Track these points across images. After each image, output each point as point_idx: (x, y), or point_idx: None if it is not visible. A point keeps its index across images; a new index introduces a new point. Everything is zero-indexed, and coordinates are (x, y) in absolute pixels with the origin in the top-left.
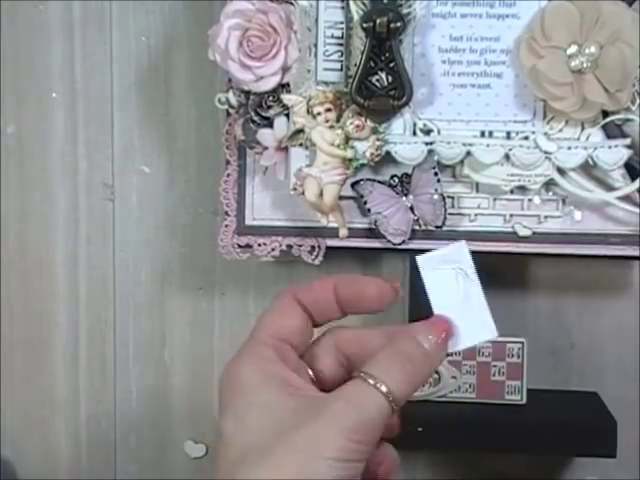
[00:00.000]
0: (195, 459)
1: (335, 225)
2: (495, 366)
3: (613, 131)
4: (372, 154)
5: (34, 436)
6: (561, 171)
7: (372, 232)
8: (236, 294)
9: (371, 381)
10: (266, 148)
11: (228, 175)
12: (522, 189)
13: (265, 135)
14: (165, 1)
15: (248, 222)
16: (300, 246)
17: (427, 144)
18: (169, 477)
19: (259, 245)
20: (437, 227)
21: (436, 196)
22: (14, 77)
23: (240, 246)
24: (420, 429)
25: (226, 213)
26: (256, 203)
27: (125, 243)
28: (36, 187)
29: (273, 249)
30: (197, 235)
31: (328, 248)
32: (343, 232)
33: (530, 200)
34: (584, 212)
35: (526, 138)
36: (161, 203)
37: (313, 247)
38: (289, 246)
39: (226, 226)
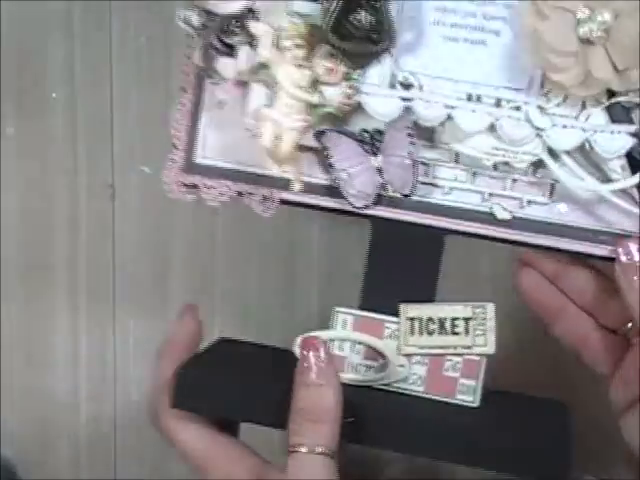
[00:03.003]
0: None
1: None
2: (450, 360)
3: (619, 115)
4: (341, 103)
5: (34, 436)
6: (553, 153)
7: (332, 191)
8: (236, 295)
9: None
10: (225, 79)
11: (182, 104)
12: (507, 167)
13: (225, 65)
14: (165, 1)
15: (197, 160)
16: (251, 195)
17: (404, 100)
18: (169, 477)
19: (207, 187)
20: (405, 195)
21: (408, 161)
22: (14, 77)
23: (186, 185)
24: (351, 419)
25: (174, 146)
26: (209, 140)
27: (125, 243)
28: (36, 187)
29: (221, 194)
30: (197, 235)
31: (283, 202)
32: (296, 186)
33: (515, 181)
34: (574, 204)
35: (517, 109)
36: (161, 203)
37: (265, 197)
38: (239, 193)
39: (172, 160)
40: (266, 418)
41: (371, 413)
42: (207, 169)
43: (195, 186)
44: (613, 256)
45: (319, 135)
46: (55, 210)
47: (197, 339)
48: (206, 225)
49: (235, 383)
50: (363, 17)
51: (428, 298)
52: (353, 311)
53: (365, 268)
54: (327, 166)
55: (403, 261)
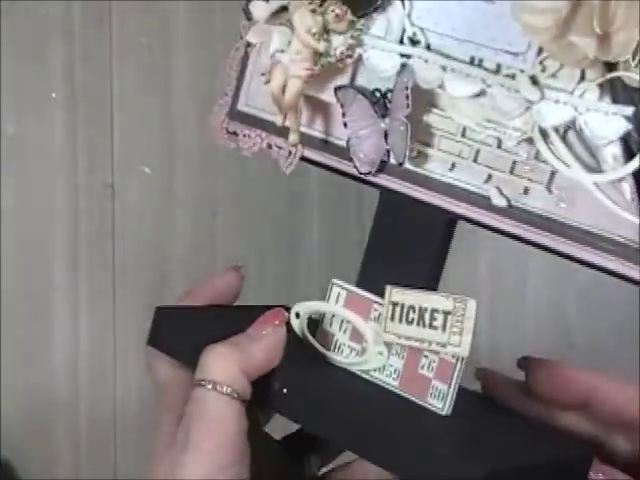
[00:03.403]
0: None
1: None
2: (426, 357)
3: (619, 95)
4: (342, 53)
5: (34, 436)
6: (544, 132)
7: (339, 150)
8: None
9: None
10: (256, 22)
11: (237, 49)
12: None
13: (258, 7)
14: (165, 1)
15: (240, 107)
16: (280, 148)
17: (403, 56)
18: None
19: (244, 136)
20: (399, 164)
21: (402, 126)
22: (14, 77)
23: (228, 132)
24: (284, 390)
25: (225, 92)
26: (252, 87)
27: (125, 243)
28: (36, 187)
29: (254, 144)
30: (197, 235)
31: (302, 159)
32: (293, 137)
33: (515, 163)
34: (577, 196)
35: (512, 77)
36: (161, 203)
37: (290, 152)
38: (269, 145)
39: (219, 105)
40: None
41: (311, 392)
42: (247, 117)
43: (235, 134)
44: (614, 269)
45: (338, 90)
46: (55, 210)
47: (229, 292)
48: (206, 225)
49: (197, 333)
50: None
51: (431, 283)
52: (347, 286)
53: (368, 241)
54: (342, 124)
55: (406, 240)
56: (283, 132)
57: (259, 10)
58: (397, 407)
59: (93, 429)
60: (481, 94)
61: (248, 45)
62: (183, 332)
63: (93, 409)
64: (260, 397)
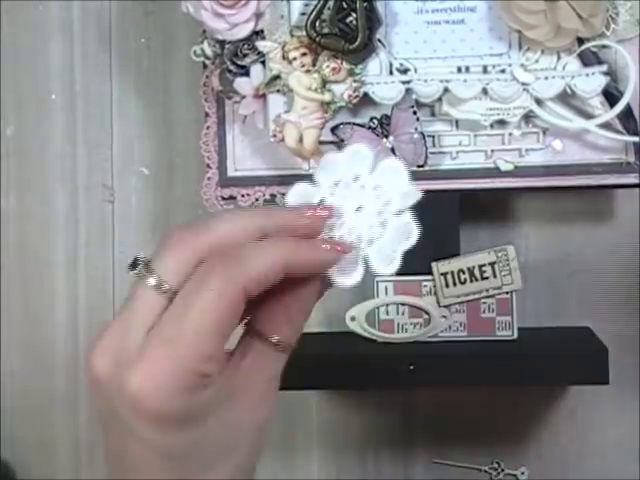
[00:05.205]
0: None
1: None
2: (485, 303)
3: (589, 59)
4: (350, 96)
5: (34, 436)
6: (539, 102)
7: None
8: None
9: None
10: (244, 97)
11: (208, 127)
12: (502, 123)
13: (242, 84)
14: (164, 1)
15: (230, 173)
16: (283, 195)
17: (404, 83)
18: None
19: (242, 196)
20: (419, 166)
21: (416, 135)
22: (14, 77)
23: (224, 198)
24: (411, 367)
25: (208, 166)
26: (237, 154)
27: (124, 244)
28: (36, 188)
29: (257, 199)
30: None
31: None
32: None
33: (510, 134)
34: (565, 142)
35: (503, 71)
36: (160, 204)
37: None
38: (272, 195)
39: (208, 179)
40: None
41: (427, 359)
42: (240, 180)
43: (232, 197)
44: (605, 183)
45: (335, 129)
46: (54, 211)
47: None
48: None
49: None
50: (354, 19)
51: (454, 253)
52: (392, 277)
53: None
54: None
55: (427, 225)
56: (283, 180)
57: (245, 86)
58: (476, 347)
59: (93, 429)
60: (483, 91)
61: (220, 122)
62: None
63: (93, 409)
64: (390, 379)
